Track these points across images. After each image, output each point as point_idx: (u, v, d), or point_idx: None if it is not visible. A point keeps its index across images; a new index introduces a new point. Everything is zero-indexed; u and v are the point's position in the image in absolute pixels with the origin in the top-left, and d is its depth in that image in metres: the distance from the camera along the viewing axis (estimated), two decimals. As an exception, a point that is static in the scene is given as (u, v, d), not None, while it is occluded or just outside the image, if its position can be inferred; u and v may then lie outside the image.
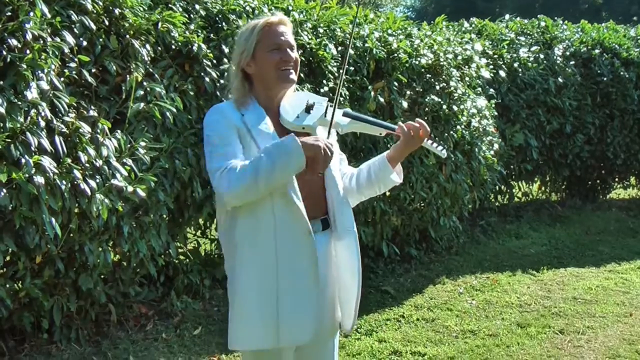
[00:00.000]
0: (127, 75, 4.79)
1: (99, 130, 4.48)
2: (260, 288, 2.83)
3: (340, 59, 6.44)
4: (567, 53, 10.39)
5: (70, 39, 4.40)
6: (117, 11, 4.82)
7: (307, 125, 2.92)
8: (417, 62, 7.21)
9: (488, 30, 9.97)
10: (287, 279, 2.82)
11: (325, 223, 2.97)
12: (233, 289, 2.92)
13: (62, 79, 4.35)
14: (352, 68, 6.60)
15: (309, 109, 2.96)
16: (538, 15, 11.18)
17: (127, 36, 4.86)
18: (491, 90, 8.91)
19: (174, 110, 4.98)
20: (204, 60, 5.36)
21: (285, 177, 2.73)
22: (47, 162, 4.02)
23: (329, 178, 2.96)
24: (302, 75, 6.03)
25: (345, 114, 3.04)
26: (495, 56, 9.39)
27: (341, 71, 3.19)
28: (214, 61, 5.47)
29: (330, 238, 2.99)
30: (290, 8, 6.43)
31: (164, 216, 5.16)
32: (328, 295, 3.00)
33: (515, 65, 9.54)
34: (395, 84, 6.93)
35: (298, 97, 3.05)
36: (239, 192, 2.69)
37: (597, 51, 10.63)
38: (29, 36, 4.06)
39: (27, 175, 3.89)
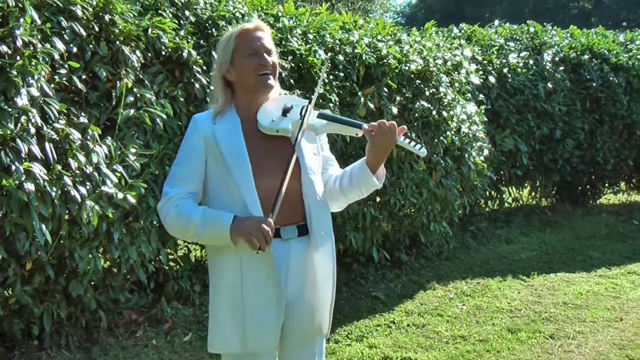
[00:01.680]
0: (117, 82, 4.78)
1: (89, 137, 4.47)
2: (229, 298, 2.96)
3: (330, 64, 6.45)
4: (557, 58, 10.43)
5: (60, 45, 4.39)
6: (107, 17, 4.81)
7: (281, 129, 2.95)
8: (406, 68, 7.22)
9: (477, 36, 10.01)
10: (251, 290, 2.92)
11: (303, 229, 2.99)
12: (210, 296, 3.09)
13: (52, 85, 4.34)
14: (341, 74, 6.59)
15: (285, 112, 2.99)
16: (527, 21, 11.23)
17: (117, 42, 4.86)
18: (481, 95, 8.93)
19: (164, 116, 4.97)
20: (194, 67, 5.36)
21: (212, 243, 2.97)
22: (38, 168, 4.01)
23: (306, 183, 2.98)
24: (291, 81, 6.04)
25: (320, 116, 3.03)
26: (485, 62, 9.42)
27: (320, 74, 3.23)
28: (204, 67, 5.46)
29: (308, 243, 3.00)
30: (280, 14, 6.45)
31: (155, 222, 5.14)
32: (305, 300, 3.03)
33: (505, 70, 9.57)
34: (385, 89, 6.94)
35: (277, 101, 3.07)
36: (171, 231, 3.02)
37: (586, 57, 10.68)
38: (19, 42, 4.05)
39: (17, 182, 3.89)
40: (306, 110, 2.94)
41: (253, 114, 3.00)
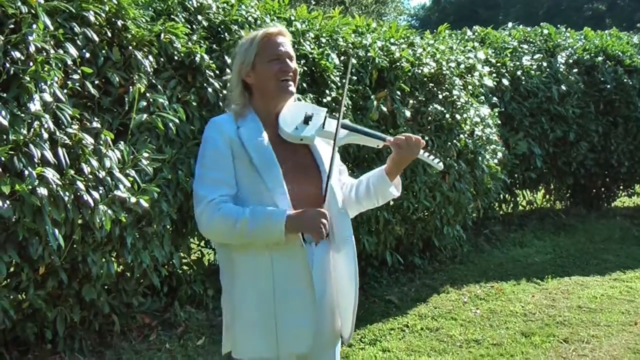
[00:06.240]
0: (130, 87, 4.79)
1: (101, 142, 4.48)
2: (259, 301, 2.88)
3: (343, 68, 6.43)
4: (570, 61, 10.40)
5: (73, 50, 4.40)
6: (119, 23, 4.83)
7: (305, 137, 2.95)
8: (419, 71, 7.21)
9: (491, 39, 9.99)
10: (283, 292, 2.85)
11: None
12: (232, 301, 2.97)
13: (65, 90, 4.35)
14: (354, 77, 6.59)
15: (307, 120, 2.98)
16: (541, 23, 11.19)
17: (130, 47, 4.87)
18: (494, 98, 8.91)
19: (177, 121, 4.98)
20: (207, 71, 5.36)
21: (261, 242, 2.81)
22: (50, 173, 4.02)
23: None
24: (304, 85, 6.04)
25: (343, 126, 3.03)
26: (498, 64, 9.39)
27: (345, 82, 3.22)
28: (217, 72, 5.47)
29: (329, 248, 2.99)
30: (293, 18, 6.45)
31: (167, 227, 5.15)
32: (327, 304, 3.00)
33: (518, 73, 9.54)
34: (398, 93, 6.93)
35: (297, 107, 3.06)
36: (214, 235, 2.94)
37: (600, 58, 10.63)
38: (32, 48, 4.06)
39: (30, 187, 3.90)
40: (338, 125, 2.92)
41: (272, 119, 2.98)
